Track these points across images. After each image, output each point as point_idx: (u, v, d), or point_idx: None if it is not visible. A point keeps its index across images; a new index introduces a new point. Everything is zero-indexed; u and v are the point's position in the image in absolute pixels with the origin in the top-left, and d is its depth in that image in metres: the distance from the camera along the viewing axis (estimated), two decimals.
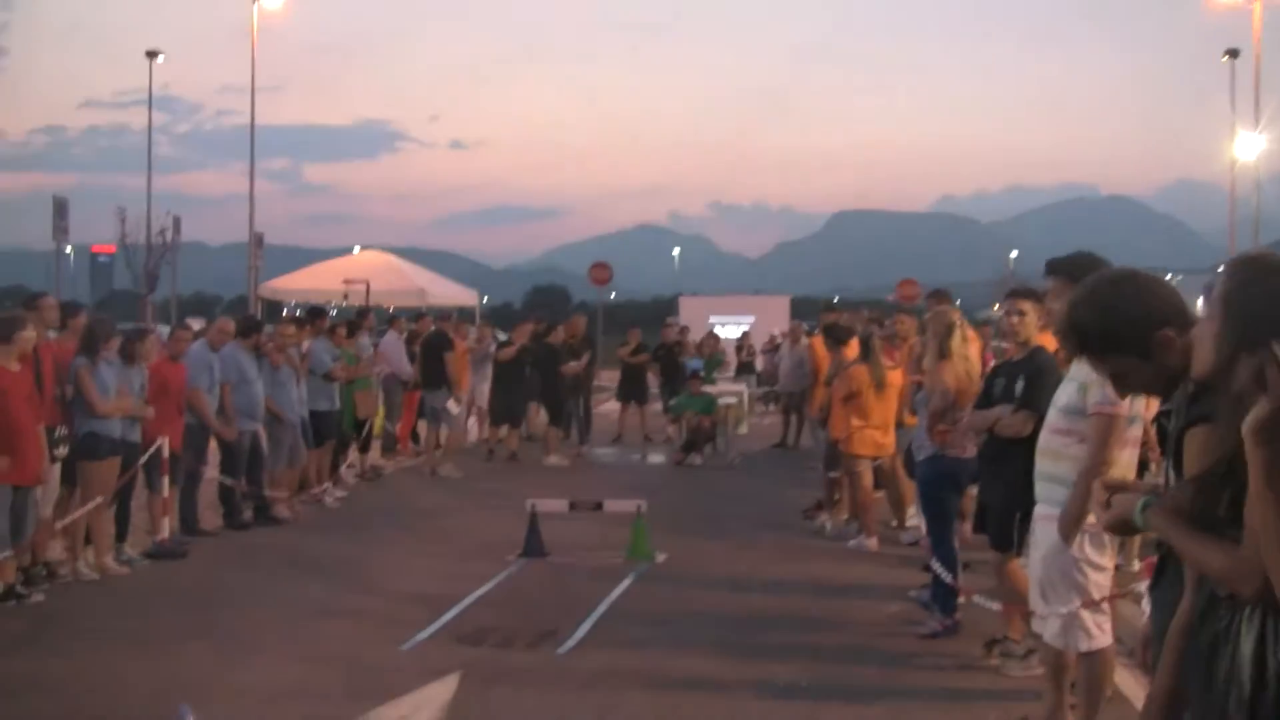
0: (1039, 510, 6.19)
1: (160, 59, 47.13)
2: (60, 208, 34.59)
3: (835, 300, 17.91)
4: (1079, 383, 5.99)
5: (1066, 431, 6.03)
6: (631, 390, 23.06)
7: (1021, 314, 7.78)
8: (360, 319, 18.06)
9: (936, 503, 9.07)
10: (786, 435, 21.71)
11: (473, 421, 21.10)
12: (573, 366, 20.38)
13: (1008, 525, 7.59)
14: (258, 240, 34.02)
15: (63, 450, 10.64)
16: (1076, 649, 6.05)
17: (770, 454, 21.02)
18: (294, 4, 40.59)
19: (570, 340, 20.99)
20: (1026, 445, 7.29)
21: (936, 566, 8.84)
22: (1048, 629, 6.11)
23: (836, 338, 12.86)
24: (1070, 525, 5.88)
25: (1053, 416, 6.15)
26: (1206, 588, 3.03)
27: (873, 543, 12.02)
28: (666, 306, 65.71)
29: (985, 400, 8.00)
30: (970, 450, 8.56)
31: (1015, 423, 7.48)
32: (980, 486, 8.16)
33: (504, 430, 19.37)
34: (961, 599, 8.82)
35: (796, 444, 21.21)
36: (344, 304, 24.93)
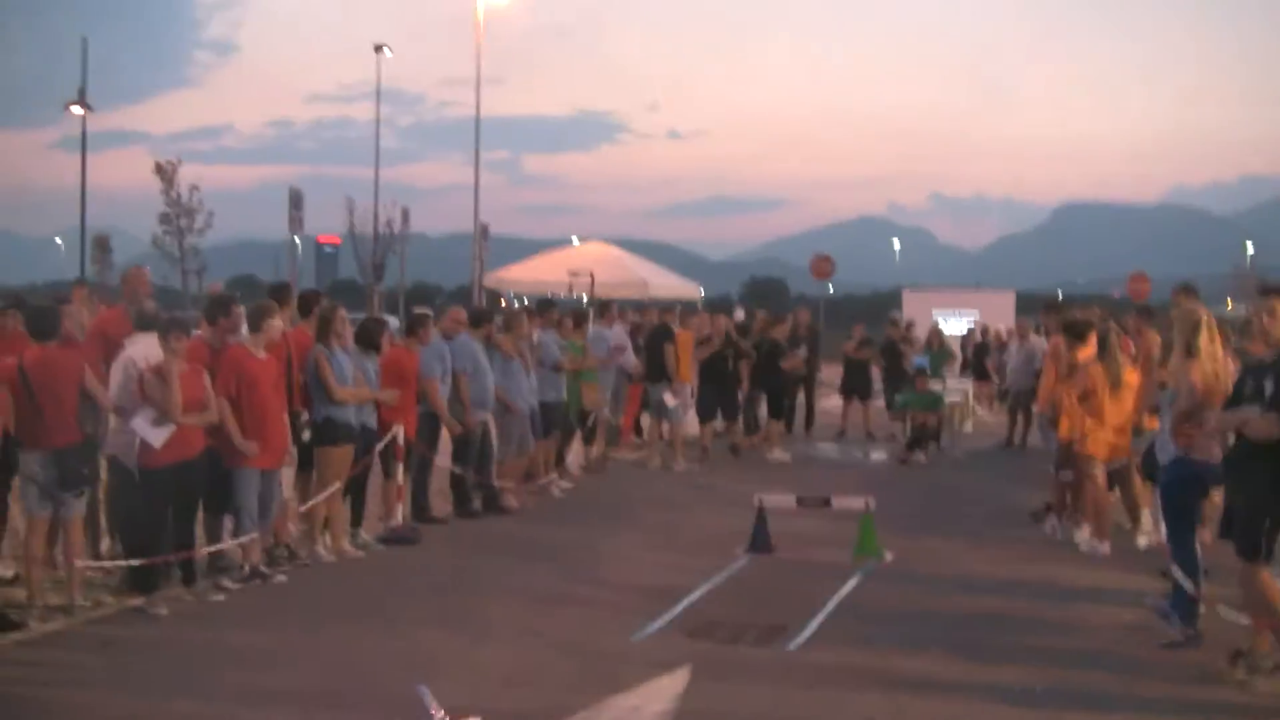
0: None
1: (387, 53, 48.21)
2: (295, 199, 35.58)
3: (1059, 297, 17.37)
4: None
5: None
6: (855, 386, 22.87)
7: (1272, 313, 7.54)
8: (602, 309, 18.26)
9: (1180, 507, 8.76)
10: (1013, 434, 21.29)
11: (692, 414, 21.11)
12: (794, 360, 20.31)
13: (1256, 532, 7.36)
14: (483, 231, 34.55)
15: (306, 435, 10.99)
16: None
17: (997, 453, 20.66)
18: None
19: (793, 333, 20.94)
20: (1277, 449, 7.07)
21: (1177, 573, 8.58)
22: None
23: (1076, 334, 12.49)
24: None
25: None
26: None
27: (1105, 547, 11.71)
28: (886, 300, 65.04)
29: (1234, 401, 7.76)
30: (1216, 453, 8.29)
31: (1265, 425, 7.25)
32: (1227, 491, 7.90)
33: (712, 427, 19.09)
34: (1203, 608, 8.56)
35: (1024, 443, 20.80)
36: (569, 295, 25.19)
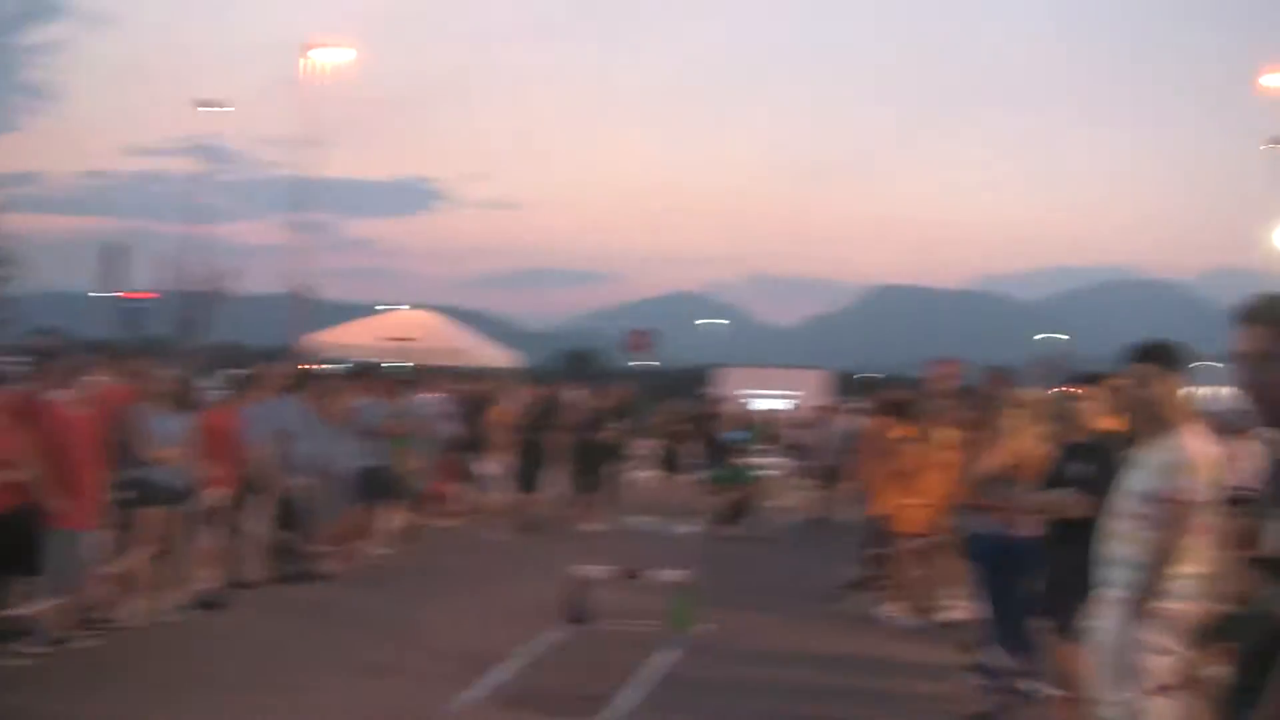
0: (1106, 593, 6.16)
1: (217, 110, 47.54)
2: (113, 253, 34.74)
3: (877, 377, 17.73)
4: (1152, 467, 5.99)
5: (1137, 515, 6.01)
6: (668, 460, 23.06)
7: (1086, 398, 7.84)
8: (422, 376, 18.23)
9: (994, 582, 9.02)
10: (823, 510, 21.60)
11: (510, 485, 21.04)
12: (610, 432, 20.42)
13: (1066, 608, 7.58)
14: (302, 293, 34.14)
15: (119, 495, 10.73)
16: None
17: (807, 528, 20.93)
18: (342, 59, 40.85)
19: (610, 406, 21.08)
20: (1090, 529, 7.31)
21: (992, 650, 8.83)
22: (1109, 714, 6.07)
23: (894, 411, 12.81)
24: (1140, 609, 5.86)
25: (1123, 499, 6.13)
26: None
27: (917, 620, 11.97)
28: (701, 376, 65.67)
29: (1051, 482, 8.02)
30: (1030, 530, 8.56)
31: (1077, 505, 7.50)
32: (1043, 569, 8.14)
33: (530, 498, 19.07)
34: (1019, 684, 8.80)
35: (833, 519, 21.10)
36: (389, 361, 24.98)
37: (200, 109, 46.31)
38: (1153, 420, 6.12)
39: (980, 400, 12.29)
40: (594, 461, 19.94)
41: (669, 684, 9.52)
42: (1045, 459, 8.64)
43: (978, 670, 9.39)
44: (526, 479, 18.73)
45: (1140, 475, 6.09)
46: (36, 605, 9.83)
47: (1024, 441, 8.89)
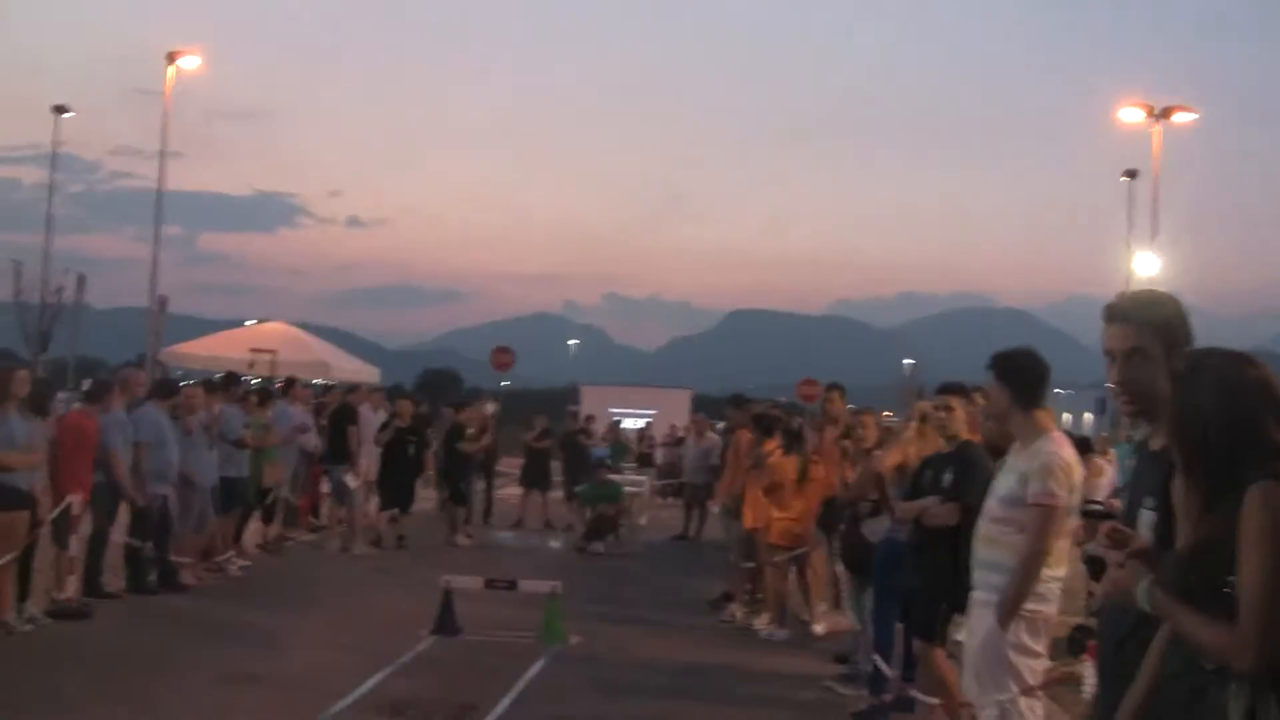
0: (976, 596, 6.25)
1: (67, 115, 46.42)
2: None
3: (742, 396, 17.80)
4: (1019, 473, 6.10)
5: (1005, 520, 6.10)
6: (535, 476, 22.94)
7: (950, 409, 7.98)
8: (286, 387, 18.03)
9: (888, 586, 9.13)
10: (689, 526, 21.73)
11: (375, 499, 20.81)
12: (475, 446, 20.32)
13: (933, 615, 7.70)
14: (161, 303, 33.41)
15: None
16: None
17: (672, 544, 21.00)
18: (200, 71, 40.15)
19: (474, 423, 21.00)
20: (952, 536, 7.45)
21: (867, 658, 8.99)
22: (983, 716, 6.16)
23: (765, 427, 12.93)
24: (1008, 612, 5.95)
25: (992, 504, 6.23)
26: (1179, 657, 3.17)
27: (784, 633, 12.08)
28: (563, 395, 65.60)
29: (914, 491, 8.15)
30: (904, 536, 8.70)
31: (942, 513, 7.64)
32: (907, 576, 8.25)
33: (390, 514, 18.78)
34: (894, 690, 8.94)
35: (699, 535, 21.26)
36: (250, 373, 24.61)
37: (54, 113, 45.09)
38: (1017, 427, 6.24)
39: (824, 418, 12.52)
40: (460, 476, 19.80)
41: (539, 693, 9.50)
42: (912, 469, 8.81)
43: (850, 679, 9.53)
44: (392, 493, 18.51)
45: (1009, 479, 6.19)
46: None
47: (909, 450, 9.04)
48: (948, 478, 7.77)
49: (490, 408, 22.98)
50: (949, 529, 7.55)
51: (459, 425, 20.09)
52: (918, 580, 7.90)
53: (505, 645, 11.10)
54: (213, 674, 9.56)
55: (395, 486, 18.44)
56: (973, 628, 6.32)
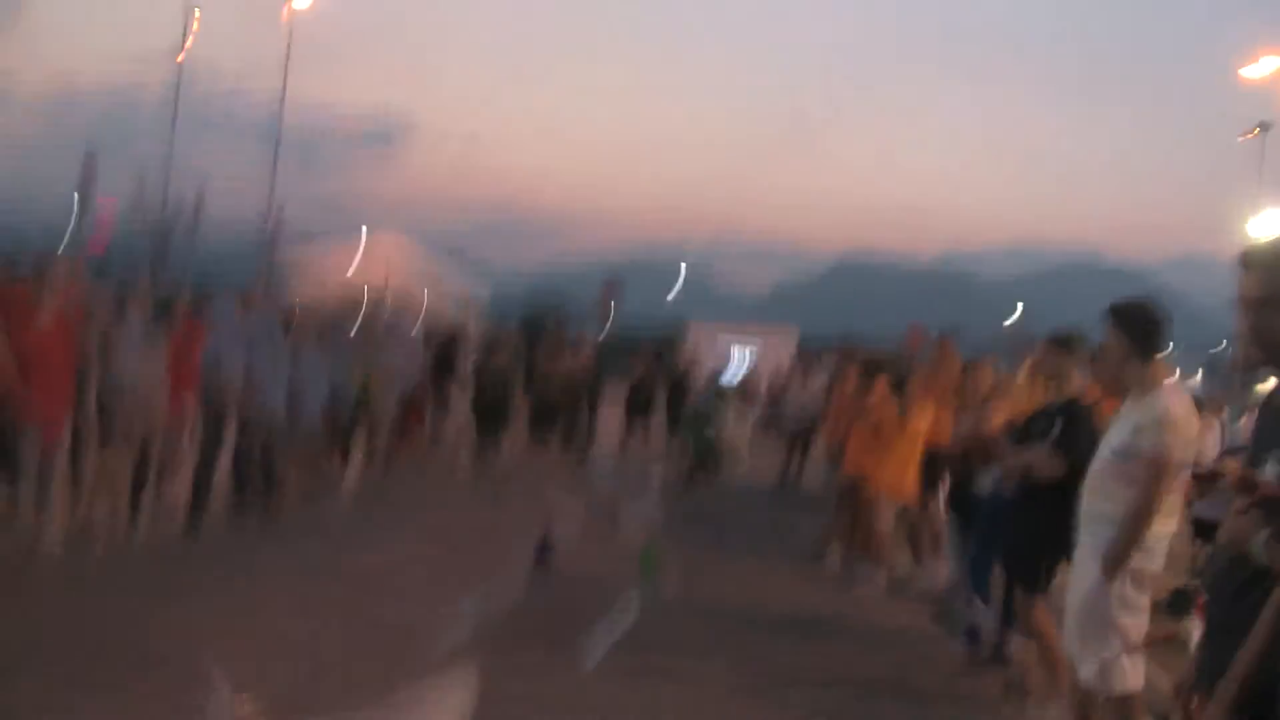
0: (1081, 549, 6.18)
1: (196, 13, 46.57)
2: (89, 162, 33.78)
3: (855, 340, 17.64)
4: (1133, 424, 6.01)
5: (1116, 472, 6.02)
6: (637, 413, 22.94)
7: (1063, 361, 7.93)
8: (388, 315, 18.15)
9: (990, 538, 9.06)
10: (789, 470, 21.59)
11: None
12: (581, 383, 20.48)
13: (1035, 567, 7.65)
14: (278, 218, 33.73)
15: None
16: (1111, 692, 6.04)
17: (772, 487, 20.94)
18: None
19: (581, 357, 21.16)
20: (1057, 488, 7.39)
21: (971, 609, 8.96)
22: (1083, 670, 6.10)
23: (871, 371, 12.81)
24: (1114, 564, 5.89)
25: (1104, 455, 6.15)
26: None
27: (883, 581, 12.01)
28: (667, 333, 65.46)
29: (1022, 440, 8.07)
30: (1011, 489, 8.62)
31: (1049, 464, 7.57)
32: (1010, 528, 8.18)
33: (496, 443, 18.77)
34: (991, 637, 8.91)
35: (799, 479, 21.13)
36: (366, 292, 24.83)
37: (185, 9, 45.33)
38: (1133, 379, 6.15)
39: (932, 365, 12.39)
40: (566, 411, 19.93)
41: (635, 633, 9.43)
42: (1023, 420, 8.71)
43: (949, 629, 9.50)
44: (494, 425, 18.51)
45: (1122, 431, 6.11)
46: None
47: (1020, 402, 8.94)
48: (1056, 429, 7.70)
49: (586, 343, 22.90)
50: (1055, 481, 7.49)
51: (564, 360, 20.24)
52: (1022, 531, 7.84)
53: (603, 583, 11.07)
54: (311, 607, 9.56)
55: (499, 419, 18.40)
56: (1076, 580, 6.25)
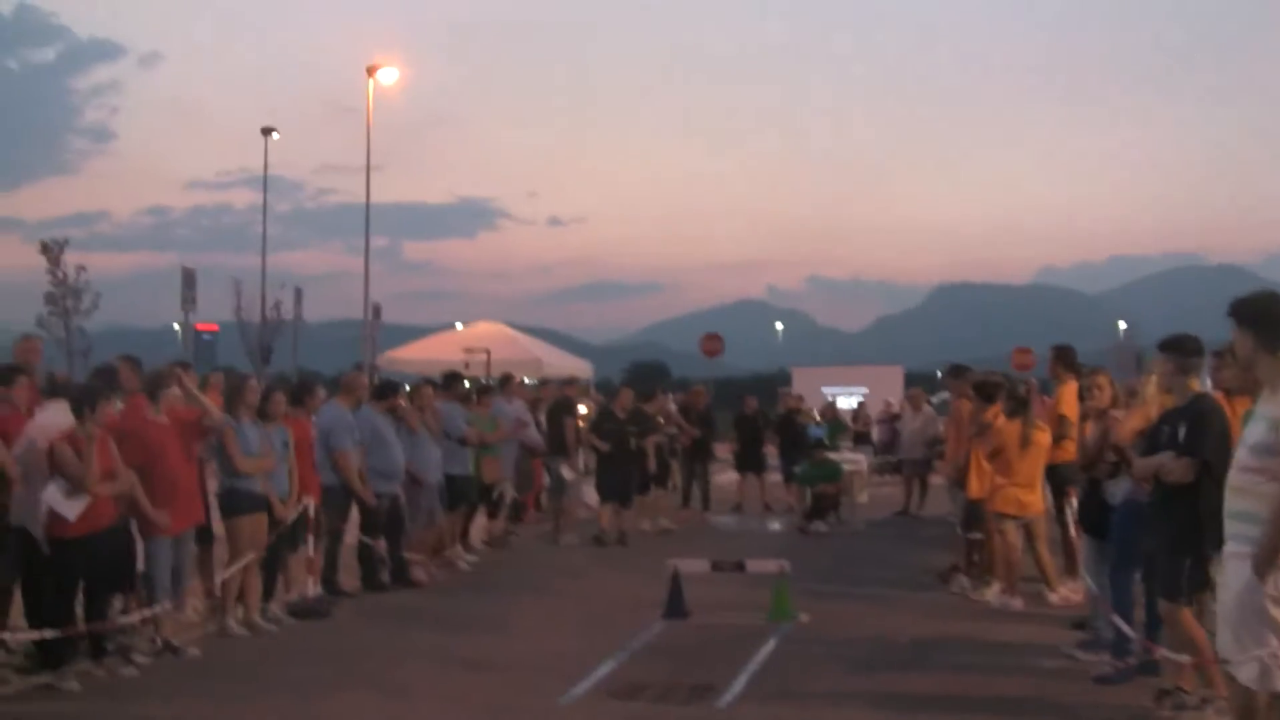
0: (1229, 549, 6.05)
1: (274, 137, 47.70)
2: (188, 279, 34.50)
3: (959, 364, 17.30)
4: (1269, 420, 5.89)
5: (1257, 469, 5.90)
6: (749, 460, 22.91)
7: (1190, 366, 7.85)
8: (503, 384, 18.24)
9: (1129, 547, 8.93)
10: (910, 502, 21.47)
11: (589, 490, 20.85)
12: (693, 435, 20.54)
13: (1177, 573, 7.49)
14: (375, 311, 34.27)
15: (213, 505, 10.84)
16: (1274, 690, 5.88)
17: (894, 520, 20.76)
18: (399, 84, 41.01)
19: (692, 410, 21.25)
20: (1190, 490, 7.27)
21: (1109, 621, 8.81)
22: (1243, 672, 5.94)
23: (986, 394, 12.67)
24: (1265, 562, 5.75)
25: (1242, 454, 6.04)
26: None
27: (1017, 602, 11.84)
28: (771, 380, 65.36)
29: (1151, 448, 7.94)
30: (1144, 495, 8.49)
31: (1178, 468, 7.45)
32: (1146, 535, 8.05)
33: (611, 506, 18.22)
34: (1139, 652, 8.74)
35: (920, 510, 21.01)
36: (466, 373, 24.97)
37: (260, 133, 46.35)
38: (1264, 374, 6.05)
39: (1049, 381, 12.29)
40: (683, 463, 19.94)
41: (774, 671, 9.44)
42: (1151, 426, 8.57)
43: (1091, 644, 9.33)
44: (613, 484, 18.37)
45: (1259, 427, 6.00)
46: (138, 615, 9.88)
47: (1151, 410, 8.80)
48: (1182, 432, 7.58)
49: (695, 397, 22.86)
50: (1188, 484, 7.37)
51: (674, 415, 20.31)
52: (1159, 537, 7.71)
53: (735, 626, 11.08)
54: (451, 662, 9.77)
55: (618, 477, 18.25)
56: (1227, 581, 6.11)
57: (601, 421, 18.31)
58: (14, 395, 9.49)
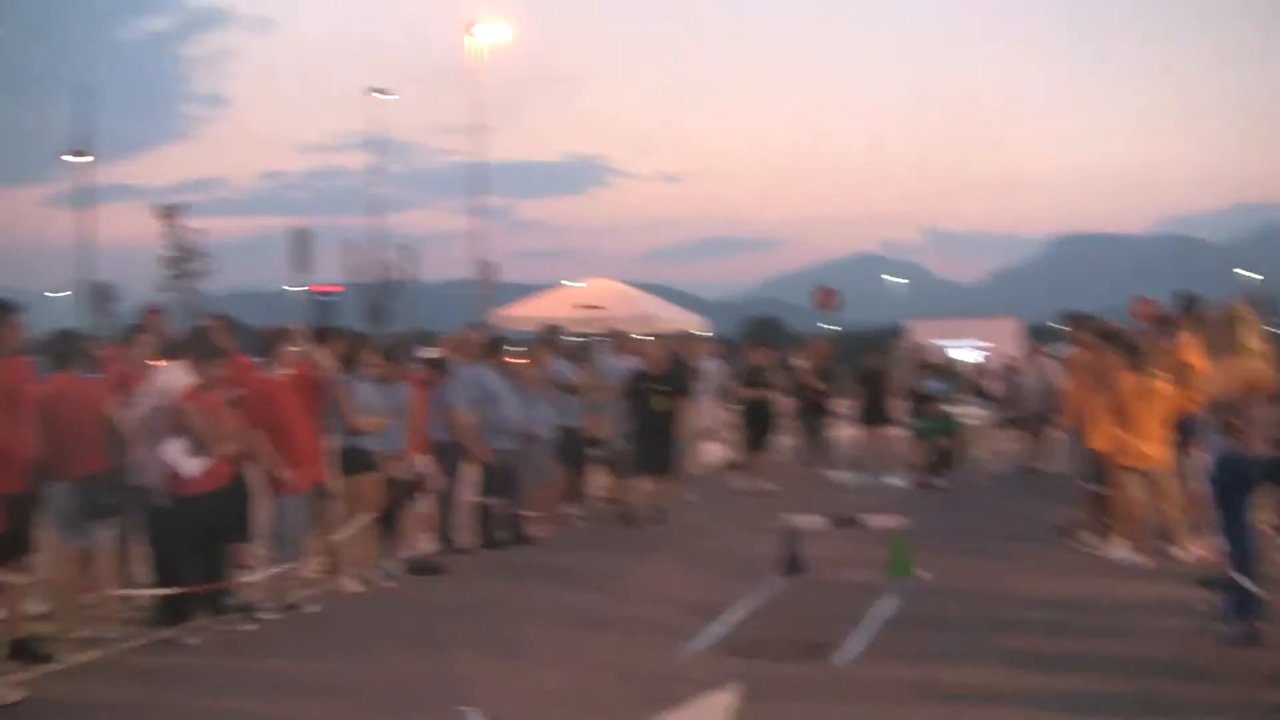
0: None
1: (386, 97, 47.95)
2: (302, 239, 34.65)
3: (1080, 313, 16.85)
4: None
5: None
6: (870, 414, 22.64)
7: None
8: (615, 341, 18.15)
9: (1229, 503, 8.65)
10: (1031, 455, 21.13)
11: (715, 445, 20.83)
12: (815, 390, 20.43)
13: None
14: (489, 269, 34.33)
15: (333, 463, 10.92)
16: None
17: (1015, 475, 20.44)
18: (509, 42, 41.08)
19: (812, 365, 21.13)
20: None
21: (1234, 574, 8.51)
22: None
23: (1106, 343, 12.35)
24: None
25: None
26: None
27: (1143, 558, 11.57)
28: (887, 334, 64.70)
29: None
30: (1262, 448, 8.21)
31: None
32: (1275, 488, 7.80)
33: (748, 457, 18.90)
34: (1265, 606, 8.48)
35: (1042, 464, 20.66)
36: (580, 330, 24.93)
37: (372, 95, 46.65)
38: None
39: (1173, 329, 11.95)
40: (803, 418, 19.83)
41: (893, 629, 9.31)
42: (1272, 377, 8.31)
43: (1219, 602, 9.06)
44: (747, 439, 18.54)
45: None
46: (259, 573, 10.00)
47: (1254, 360, 8.52)
48: None
49: (814, 351, 22.72)
50: None
51: (796, 369, 20.16)
52: None
53: (853, 583, 10.92)
54: (569, 618, 9.81)
55: (749, 432, 18.29)
56: None
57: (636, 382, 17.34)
58: (134, 355, 9.70)
